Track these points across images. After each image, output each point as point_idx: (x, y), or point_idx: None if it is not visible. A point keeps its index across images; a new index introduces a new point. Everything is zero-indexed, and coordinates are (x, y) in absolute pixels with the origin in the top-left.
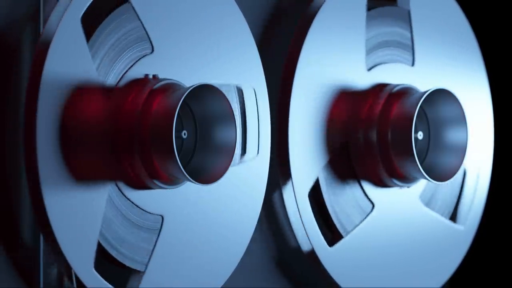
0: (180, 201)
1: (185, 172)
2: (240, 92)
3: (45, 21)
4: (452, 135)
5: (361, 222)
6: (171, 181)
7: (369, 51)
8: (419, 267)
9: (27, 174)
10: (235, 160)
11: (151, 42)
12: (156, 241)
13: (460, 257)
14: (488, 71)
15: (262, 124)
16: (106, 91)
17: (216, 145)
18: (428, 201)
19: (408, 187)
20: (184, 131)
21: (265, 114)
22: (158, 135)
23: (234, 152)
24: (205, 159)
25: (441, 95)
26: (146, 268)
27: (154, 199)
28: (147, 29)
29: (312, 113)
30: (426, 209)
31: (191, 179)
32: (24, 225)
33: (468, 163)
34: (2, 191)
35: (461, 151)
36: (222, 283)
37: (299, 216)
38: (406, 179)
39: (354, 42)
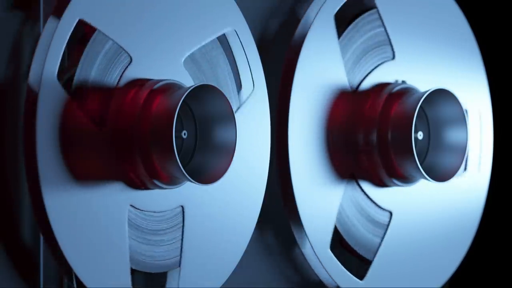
0: (177, 201)
1: (185, 172)
2: None
3: (45, 21)
4: (452, 135)
5: (382, 238)
6: (171, 181)
7: (374, 46)
8: (420, 267)
9: (27, 174)
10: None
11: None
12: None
13: (460, 257)
14: (488, 71)
15: (262, 124)
16: (107, 91)
17: (216, 145)
18: None
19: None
20: (184, 131)
21: (265, 114)
22: (158, 135)
23: (234, 152)
24: (205, 159)
25: (441, 95)
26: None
27: (154, 199)
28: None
29: (312, 113)
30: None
31: (191, 179)
32: (24, 225)
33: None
34: (2, 191)
35: (461, 151)
36: (221, 283)
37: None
38: (406, 179)
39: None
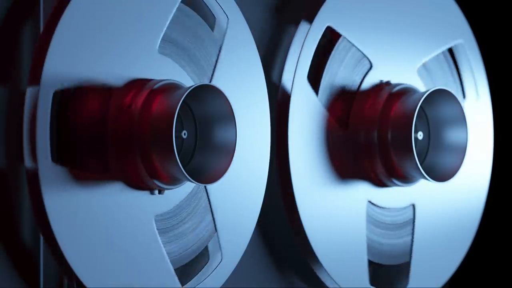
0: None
1: (185, 172)
2: None
3: (45, 21)
4: (452, 135)
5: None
6: (171, 181)
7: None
8: (419, 267)
9: (27, 175)
10: None
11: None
12: None
13: (460, 257)
14: (488, 71)
15: (262, 124)
16: (107, 91)
17: (216, 145)
18: None
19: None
20: (184, 131)
21: (265, 115)
22: (158, 135)
23: (234, 152)
24: (205, 159)
25: (441, 95)
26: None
27: (154, 199)
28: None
29: (312, 113)
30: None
31: (191, 179)
32: (24, 225)
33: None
34: (2, 191)
35: (461, 151)
36: (222, 283)
37: None
38: (406, 179)
39: (355, 40)
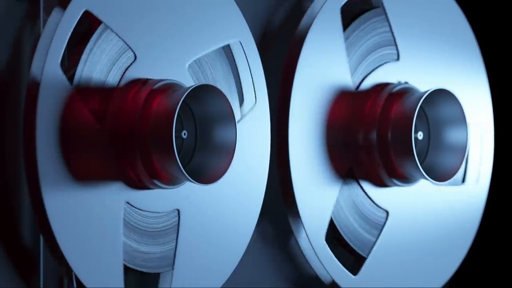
0: (178, 201)
1: (185, 172)
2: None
3: (45, 21)
4: (452, 135)
5: (378, 237)
6: (171, 181)
7: (373, 49)
8: (420, 267)
9: (27, 174)
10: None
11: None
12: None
13: (460, 257)
14: (488, 71)
15: (262, 124)
16: (107, 91)
17: (216, 145)
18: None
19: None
20: (184, 131)
21: (264, 115)
22: (158, 135)
23: (234, 152)
24: (205, 159)
25: (441, 95)
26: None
27: (153, 199)
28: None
29: (312, 113)
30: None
31: (191, 179)
32: (24, 225)
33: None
34: (2, 191)
35: (461, 151)
36: (222, 283)
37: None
38: (406, 179)
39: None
